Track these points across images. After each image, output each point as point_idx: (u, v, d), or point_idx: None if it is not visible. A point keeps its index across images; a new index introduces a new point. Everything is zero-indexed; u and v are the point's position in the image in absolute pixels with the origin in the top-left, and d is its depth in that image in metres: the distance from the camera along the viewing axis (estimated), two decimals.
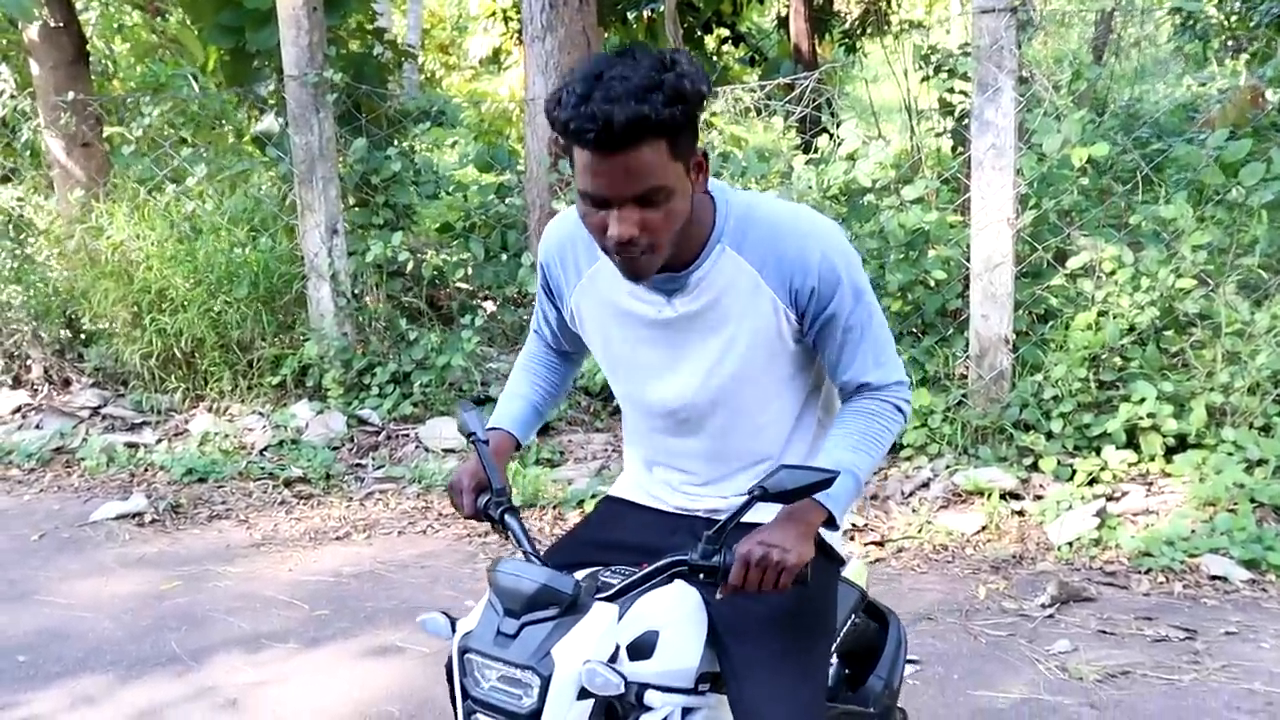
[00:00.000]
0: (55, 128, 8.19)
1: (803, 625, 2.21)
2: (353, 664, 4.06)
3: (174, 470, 6.11)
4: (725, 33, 14.31)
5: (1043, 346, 5.36)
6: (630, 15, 12.83)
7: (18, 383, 7.67)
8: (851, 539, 4.84)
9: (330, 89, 6.53)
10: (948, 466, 5.29)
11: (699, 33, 13.87)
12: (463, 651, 2.01)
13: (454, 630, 2.06)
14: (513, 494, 2.33)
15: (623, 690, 1.91)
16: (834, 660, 2.82)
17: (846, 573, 2.62)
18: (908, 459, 5.41)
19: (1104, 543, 4.59)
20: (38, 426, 6.98)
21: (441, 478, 5.73)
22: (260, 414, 6.72)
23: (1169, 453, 5.05)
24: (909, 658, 3.74)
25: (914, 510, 5.02)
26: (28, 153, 9.07)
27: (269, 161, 7.90)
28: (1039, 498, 4.99)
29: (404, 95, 9.15)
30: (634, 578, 2.05)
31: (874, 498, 5.20)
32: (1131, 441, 5.11)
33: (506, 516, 2.25)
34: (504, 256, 7.24)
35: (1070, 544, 4.60)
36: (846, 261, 2.16)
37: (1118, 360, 5.21)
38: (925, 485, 5.23)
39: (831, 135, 6.28)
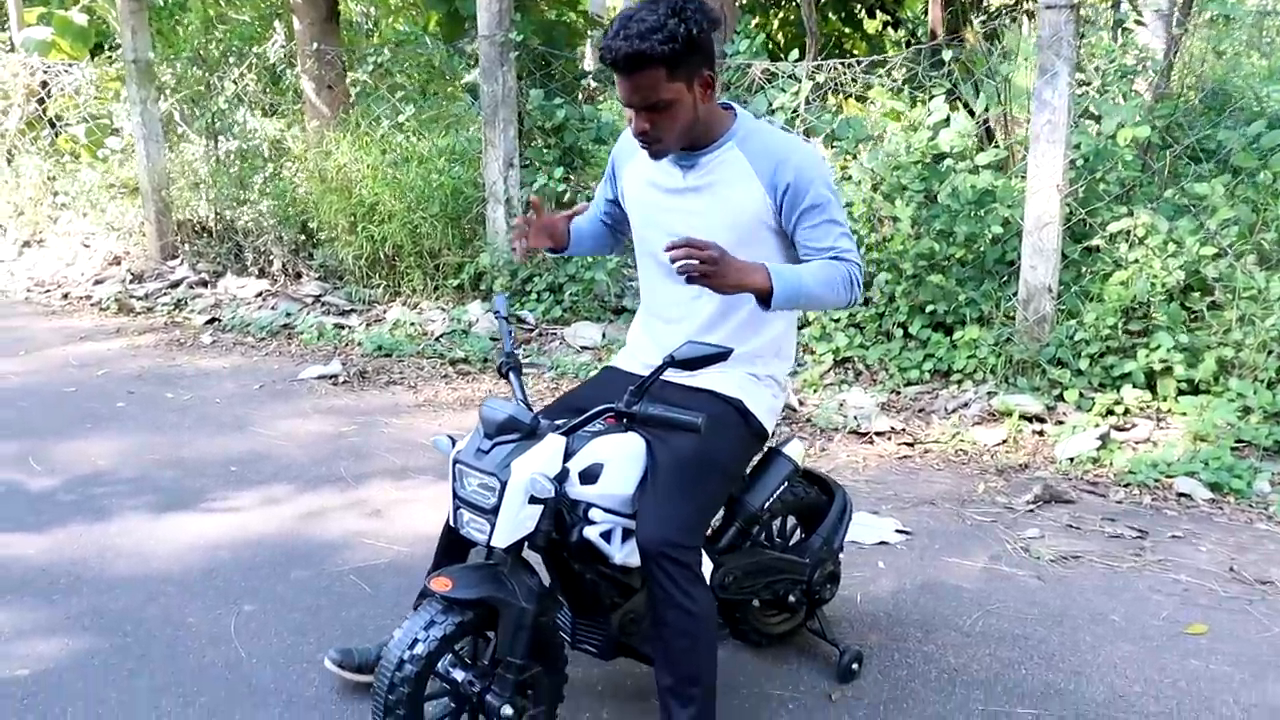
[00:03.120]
0: (308, 73, 8.94)
1: (700, 467, 2.59)
2: None
3: (367, 346, 6.77)
4: (886, 17, 14.26)
5: (1082, 297, 5.53)
6: None
7: (262, 274, 8.48)
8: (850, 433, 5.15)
9: (514, 47, 7.02)
10: (989, 392, 5.53)
11: (861, 14, 13.87)
12: (455, 463, 2.47)
13: (453, 448, 2.53)
14: (520, 358, 2.83)
15: (551, 495, 2.36)
16: (792, 522, 3.24)
17: (787, 450, 3.02)
18: (957, 382, 5.67)
19: (1101, 461, 4.79)
20: (273, 308, 7.73)
21: (575, 369, 6.22)
22: (442, 309, 7.33)
23: (1182, 396, 5.20)
24: (901, 528, 4.12)
25: (952, 425, 5.29)
26: (290, 92, 9.85)
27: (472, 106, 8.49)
28: (1060, 423, 5.20)
29: (581, 56, 9.56)
30: (579, 419, 2.50)
31: (921, 410, 5.50)
32: (1151, 384, 5.27)
33: (511, 374, 2.78)
34: None
35: (1071, 460, 4.81)
36: (818, 173, 2.59)
37: (1145, 314, 5.35)
38: (966, 405, 5.48)
39: (963, 107, 6.48)
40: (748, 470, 2.97)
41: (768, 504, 2.97)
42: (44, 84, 10.10)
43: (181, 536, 4.20)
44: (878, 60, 6.48)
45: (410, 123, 7.98)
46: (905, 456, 4.98)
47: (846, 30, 13.58)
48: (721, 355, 2.37)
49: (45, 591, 3.75)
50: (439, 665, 2.49)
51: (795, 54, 6.82)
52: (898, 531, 4.12)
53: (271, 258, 8.44)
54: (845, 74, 6.52)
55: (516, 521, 2.41)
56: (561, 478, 2.46)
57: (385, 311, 7.43)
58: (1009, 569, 3.85)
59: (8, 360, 6.76)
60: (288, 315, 7.46)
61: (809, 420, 5.41)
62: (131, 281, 8.63)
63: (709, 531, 2.92)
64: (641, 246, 2.84)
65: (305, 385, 6.18)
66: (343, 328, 7.21)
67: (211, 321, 7.59)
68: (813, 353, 6.07)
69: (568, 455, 2.50)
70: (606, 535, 2.59)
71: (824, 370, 5.94)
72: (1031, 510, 4.34)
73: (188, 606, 3.64)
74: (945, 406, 5.48)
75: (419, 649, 2.42)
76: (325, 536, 4.19)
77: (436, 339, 6.86)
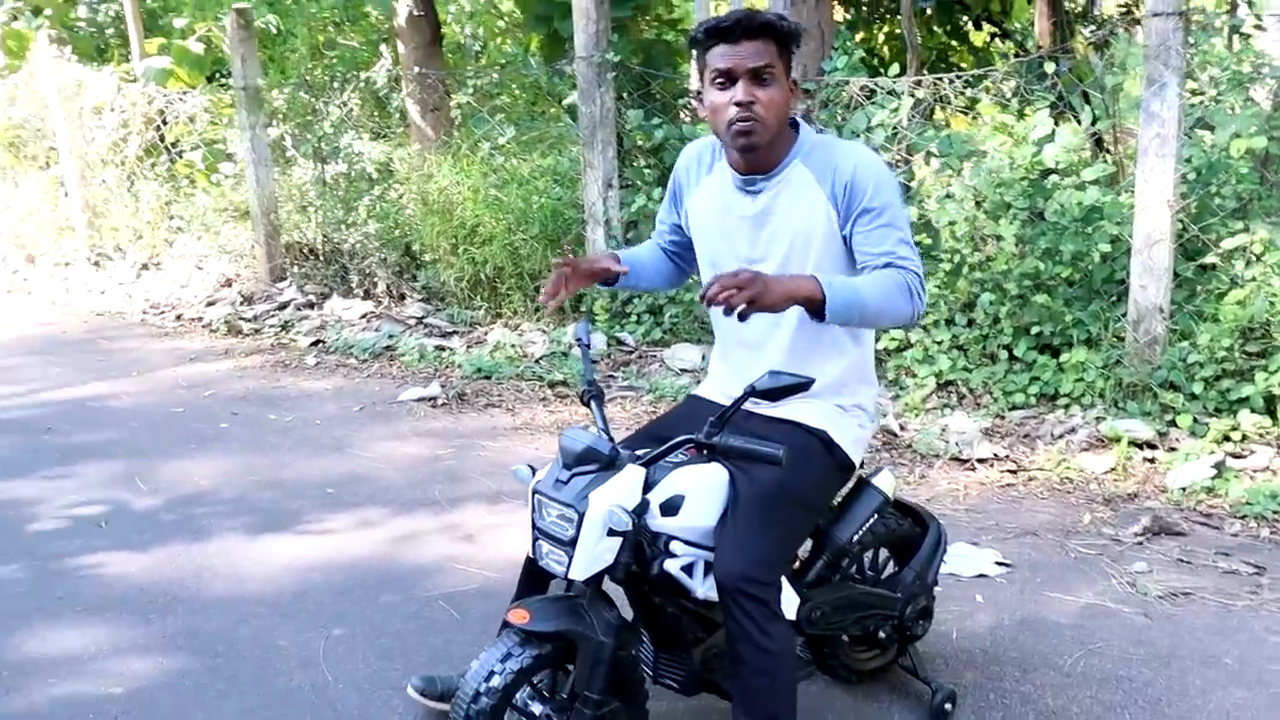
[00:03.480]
0: (412, 96, 9.10)
1: (781, 500, 2.52)
2: None
3: (466, 368, 6.83)
4: (994, 30, 13.97)
5: (1195, 317, 5.31)
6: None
7: (367, 295, 8.63)
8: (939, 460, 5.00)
9: (611, 68, 7.03)
10: (1097, 416, 5.33)
11: (967, 26, 13.61)
12: (534, 493, 2.46)
13: (533, 478, 2.52)
14: (601, 386, 2.80)
15: (629, 527, 2.32)
16: (884, 555, 3.16)
17: (876, 481, 2.93)
18: (1064, 407, 5.48)
19: (1215, 491, 4.58)
20: (376, 330, 7.85)
21: (674, 391, 6.18)
22: (543, 331, 7.35)
23: None
24: (1001, 560, 3.98)
25: (1058, 451, 5.11)
26: (396, 115, 10.03)
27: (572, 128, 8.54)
28: (1173, 450, 4.99)
29: (685, 76, 9.54)
30: (659, 450, 2.45)
31: (1026, 436, 5.33)
32: (1270, 409, 5.03)
33: (592, 402, 2.74)
34: None
35: (1184, 489, 4.60)
36: (878, 175, 2.52)
37: (1264, 335, 5.11)
38: (1073, 431, 5.29)
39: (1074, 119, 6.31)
40: (836, 501, 2.90)
41: (857, 536, 2.89)
42: (161, 112, 10.44)
43: (276, 558, 4.27)
44: (979, 74, 6.32)
45: (511, 144, 8.05)
46: (1008, 484, 4.82)
47: (953, 44, 13.33)
48: (803, 385, 2.31)
49: (143, 610, 3.84)
50: (516, 698, 2.46)
51: (895, 69, 6.71)
52: (997, 564, 3.98)
53: (376, 279, 8.58)
54: (947, 89, 6.38)
55: (594, 554, 2.38)
56: (641, 509, 2.42)
57: (486, 333, 7.49)
58: (1114, 605, 3.69)
59: (122, 381, 6.99)
60: (390, 337, 7.57)
61: (909, 446, 5.28)
62: (241, 303, 8.86)
63: (797, 564, 2.86)
64: (713, 274, 2.78)
65: (404, 407, 6.25)
66: (444, 349, 7.29)
67: (316, 343, 7.75)
68: (914, 376, 5.93)
69: (648, 486, 2.46)
70: (688, 569, 2.55)
71: (926, 394, 5.80)
72: (1140, 543, 4.16)
73: (278, 629, 3.69)
74: (1051, 432, 5.30)
75: (495, 681, 2.40)
76: (417, 561, 4.22)
77: (536, 361, 6.89)
